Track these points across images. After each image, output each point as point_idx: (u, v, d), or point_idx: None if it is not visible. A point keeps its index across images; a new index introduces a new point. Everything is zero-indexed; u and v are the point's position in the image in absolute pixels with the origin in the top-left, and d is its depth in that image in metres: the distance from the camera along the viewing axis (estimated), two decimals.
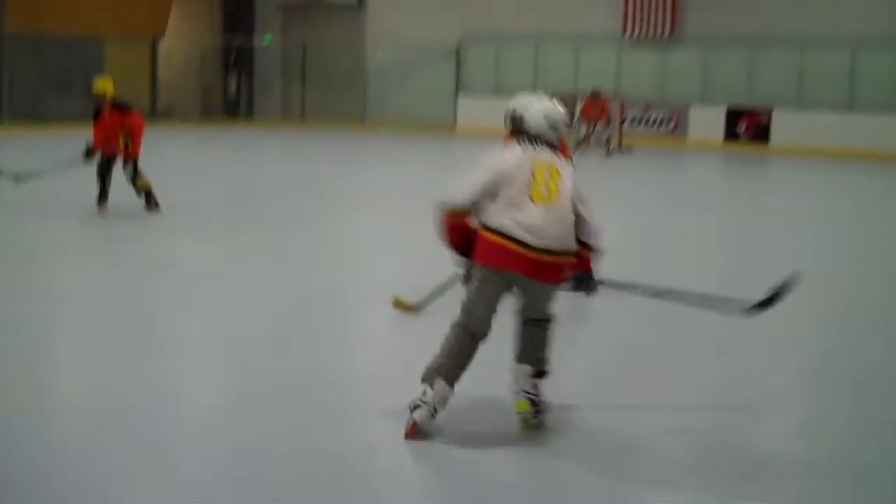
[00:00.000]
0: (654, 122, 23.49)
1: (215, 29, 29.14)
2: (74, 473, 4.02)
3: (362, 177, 15.80)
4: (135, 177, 10.39)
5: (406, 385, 4.62)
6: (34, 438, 4.36)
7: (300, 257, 8.99)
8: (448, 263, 5.56)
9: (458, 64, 26.25)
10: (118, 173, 10.50)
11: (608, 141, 19.97)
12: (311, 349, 5.95)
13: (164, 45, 27.73)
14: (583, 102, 20.32)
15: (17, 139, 20.21)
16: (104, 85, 10.38)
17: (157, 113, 26.18)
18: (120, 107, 10.33)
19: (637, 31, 23.90)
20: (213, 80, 29.06)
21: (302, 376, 5.36)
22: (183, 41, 28.74)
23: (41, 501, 3.79)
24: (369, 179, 15.53)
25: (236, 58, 26.90)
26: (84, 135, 10.80)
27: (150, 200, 10.48)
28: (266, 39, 28.40)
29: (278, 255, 8.98)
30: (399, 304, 6.47)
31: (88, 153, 10.39)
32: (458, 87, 25.96)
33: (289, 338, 6.19)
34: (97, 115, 10.34)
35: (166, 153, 15.92)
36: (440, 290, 6.25)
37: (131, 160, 10.34)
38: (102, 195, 10.49)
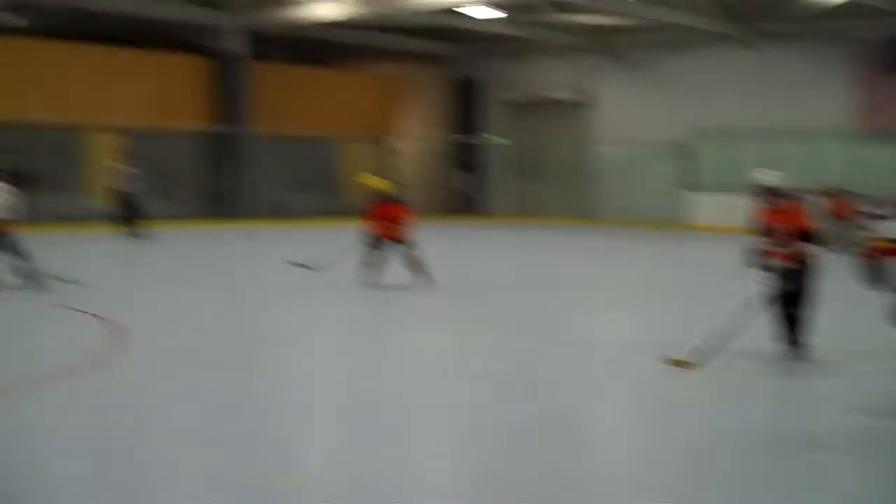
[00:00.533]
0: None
1: (443, 128, 30.17)
2: None
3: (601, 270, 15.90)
4: (410, 257, 12.47)
5: None
6: None
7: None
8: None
9: (684, 160, 26.09)
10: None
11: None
12: None
13: (396, 145, 29.01)
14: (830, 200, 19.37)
15: (266, 233, 21.42)
16: (378, 182, 13.12)
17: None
18: (393, 199, 12.70)
19: (876, 123, 23.05)
20: (441, 177, 29.95)
21: None
22: (413, 140, 29.93)
23: None
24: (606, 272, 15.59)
25: (464, 155, 27.72)
26: (324, 228, 11.86)
27: (423, 274, 12.47)
28: (493, 138, 29.09)
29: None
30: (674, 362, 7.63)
31: (372, 241, 12.42)
32: (685, 182, 25.68)
33: None
34: (374, 206, 12.61)
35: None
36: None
37: (403, 244, 12.47)
38: (371, 266, 12.52)
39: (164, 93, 24.24)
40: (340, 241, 13.91)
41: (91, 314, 10.07)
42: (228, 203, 24.58)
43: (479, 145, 29.48)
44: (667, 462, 5.72)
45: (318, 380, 7.83)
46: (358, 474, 5.41)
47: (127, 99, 23.48)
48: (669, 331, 9.78)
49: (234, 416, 6.54)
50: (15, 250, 11.87)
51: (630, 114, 26.82)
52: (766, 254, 8.16)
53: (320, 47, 29.43)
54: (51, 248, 17.51)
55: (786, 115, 24.12)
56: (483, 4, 23.07)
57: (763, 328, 8.22)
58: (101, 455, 5.64)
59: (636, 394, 7.50)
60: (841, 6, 22.22)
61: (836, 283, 11.78)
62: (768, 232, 8.22)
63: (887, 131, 22.93)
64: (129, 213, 19.70)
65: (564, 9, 25.64)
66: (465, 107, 29.90)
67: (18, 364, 7.93)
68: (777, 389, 7.66)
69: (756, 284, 8.28)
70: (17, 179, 12.27)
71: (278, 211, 25.13)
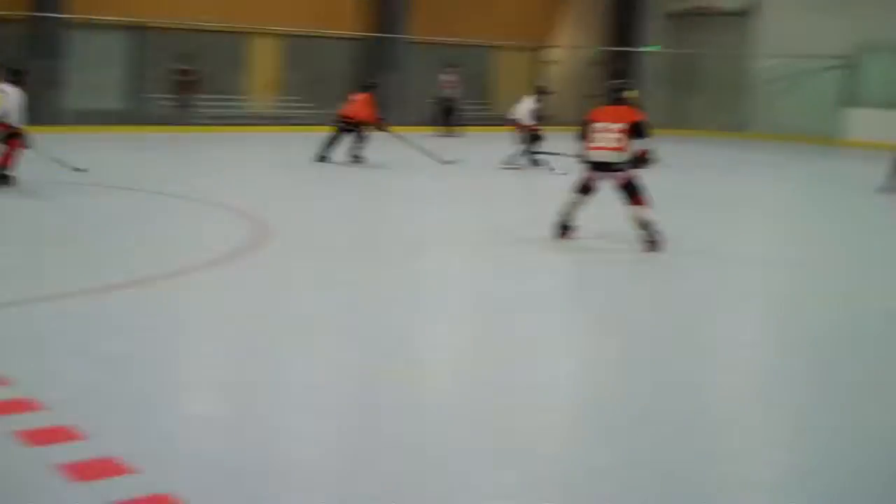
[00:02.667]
0: None
1: (602, 39, 29.77)
2: None
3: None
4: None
5: None
6: None
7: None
8: None
9: (850, 75, 25.03)
10: None
11: None
12: None
13: (551, 55, 28.78)
14: None
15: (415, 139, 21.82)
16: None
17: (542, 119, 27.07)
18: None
19: None
20: (597, 89, 29.58)
21: None
22: (569, 51, 29.65)
23: None
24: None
25: (622, 67, 27.25)
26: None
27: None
28: (651, 48, 28.57)
29: None
30: None
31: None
32: (849, 98, 24.68)
33: None
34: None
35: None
36: None
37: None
38: None
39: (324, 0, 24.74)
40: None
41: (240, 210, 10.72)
42: (386, 109, 24.92)
43: (637, 56, 28.95)
44: None
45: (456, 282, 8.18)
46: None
47: (290, 4, 24.07)
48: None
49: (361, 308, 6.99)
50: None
51: (796, 25, 25.71)
52: None
53: None
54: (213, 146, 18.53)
55: None
56: None
57: None
58: (238, 344, 6.13)
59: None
60: None
61: None
62: None
63: None
64: (447, 117, 22.46)
65: None
66: (625, 17, 29.34)
67: (165, 254, 8.52)
68: None
69: None
70: (18, 78, 11.85)
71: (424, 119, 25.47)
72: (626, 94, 9.67)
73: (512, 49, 27.78)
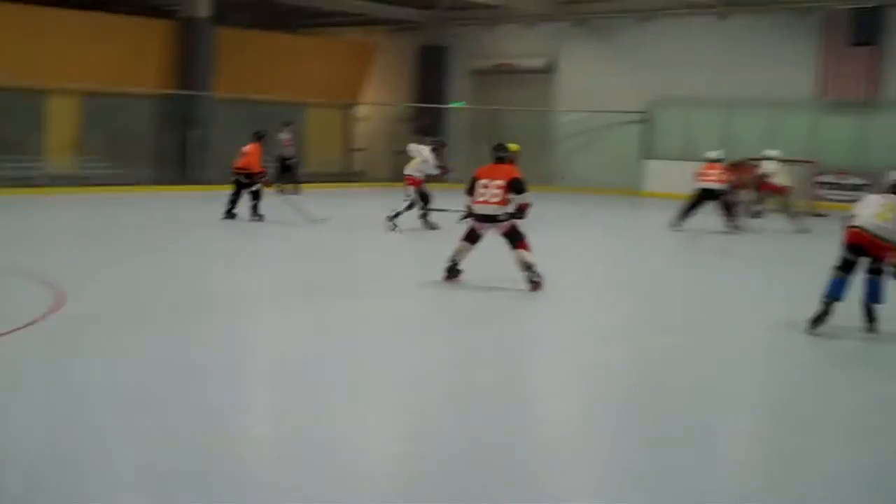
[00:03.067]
0: (851, 187, 22.70)
1: (410, 95, 30.32)
2: None
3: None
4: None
5: None
6: None
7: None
8: None
9: (647, 129, 26.33)
10: None
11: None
12: None
13: (361, 112, 29.05)
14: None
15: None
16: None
17: (351, 174, 27.22)
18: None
19: (833, 95, 23.34)
20: (404, 144, 30.06)
21: None
22: (379, 107, 30.04)
23: None
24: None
25: (427, 123, 27.76)
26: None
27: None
28: (457, 104, 29.23)
29: None
30: None
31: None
32: (647, 151, 25.91)
33: None
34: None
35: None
36: None
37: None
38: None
39: (126, 57, 24.10)
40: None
41: (33, 277, 10.18)
42: (191, 167, 24.52)
43: (443, 112, 29.59)
44: None
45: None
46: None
47: (89, 63, 23.35)
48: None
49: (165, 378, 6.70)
50: None
51: (594, 81, 27.03)
52: None
53: (288, 12, 29.47)
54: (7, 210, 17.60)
55: (750, 84, 24.39)
56: None
57: None
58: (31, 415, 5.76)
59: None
60: None
61: None
62: None
63: (848, 102, 23.24)
64: (287, 175, 22.36)
65: None
66: (432, 74, 30.02)
67: None
68: None
69: None
70: None
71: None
72: (507, 150, 10.92)
73: (322, 106, 27.89)
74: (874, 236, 8.25)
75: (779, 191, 18.50)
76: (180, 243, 14.20)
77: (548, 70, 28.22)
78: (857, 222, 8.40)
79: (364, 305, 9.51)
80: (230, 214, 16.36)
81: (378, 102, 30.49)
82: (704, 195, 16.93)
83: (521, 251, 10.25)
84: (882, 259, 8.27)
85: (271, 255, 13.35)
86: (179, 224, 16.83)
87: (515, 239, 10.29)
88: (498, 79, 29.23)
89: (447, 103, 29.54)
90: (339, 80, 28.47)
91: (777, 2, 24.26)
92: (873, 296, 8.35)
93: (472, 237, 10.50)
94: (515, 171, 10.56)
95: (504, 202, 10.25)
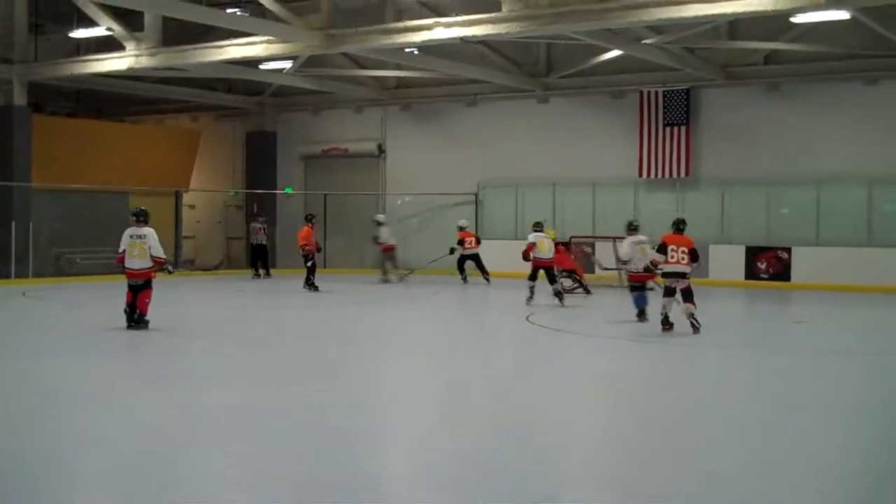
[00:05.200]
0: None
1: (240, 182, 29.94)
2: None
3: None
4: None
5: None
6: None
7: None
8: None
9: (473, 209, 26.77)
10: None
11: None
12: None
13: (188, 199, 28.41)
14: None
15: (47, 291, 20.40)
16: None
17: (180, 263, 26.45)
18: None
19: (653, 174, 24.34)
20: (235, 231, 29.60)
21: None
22: (206, 195, 29.49)
23: None
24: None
25: (258, 209, 27.41)
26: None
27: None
28: (287, 190, 29.03)
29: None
30: None
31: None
32: (477, 231, 26.25)
33: None
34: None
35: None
36: None
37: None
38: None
39: None
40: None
41: None
42: (7, 261, 23.34)
43: (276, 197, 29.32)
44: None
45: None
46: None
47: None
48: None
49: None
50: None
51: (424, 163, 27.46)
52: None
53: (110, 100, 28.80)
54: None
55: (575, 163, 25.25)
56: (276, 59, 23.10)
57: None
58: None
59: None
60: (625, 61, 23.42)
61: None
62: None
63: (666, 180, 24.25)
64: (260, 261, 25.14)
65: (359, 63, 26.24)
66: (261, 160, 29.77)
67: None
68: None
69: None
70: None
71: (64, 268, 24.21)
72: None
73: (146, 194, 27.15)
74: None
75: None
76: None
77: (378, 153, 28.43)
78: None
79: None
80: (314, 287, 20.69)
81: (206, 189, 29.95)
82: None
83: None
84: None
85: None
86: None
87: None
88: (329, 163, 29.24)
89: (280, 188, 29.29)
90: (164, 167, 27.82)
91: (593, 85, 25.24)
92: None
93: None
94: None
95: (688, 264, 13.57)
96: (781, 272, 22.65)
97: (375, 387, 9.73)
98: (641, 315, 14.78)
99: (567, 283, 20.07)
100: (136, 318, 13.11)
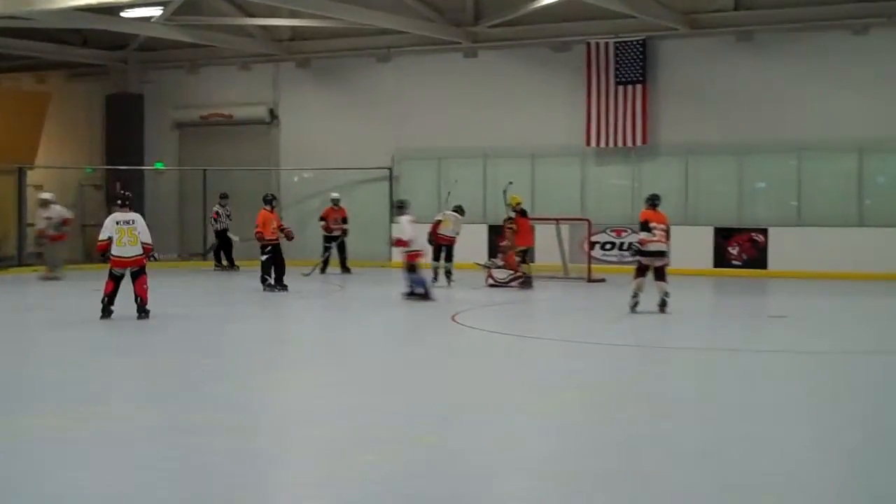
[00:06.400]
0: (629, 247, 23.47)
1: (99, 157, 29.39)
2: None
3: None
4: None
5: None
6: None
7: None
8: None
9: (390, 185, 26.70)
10: None
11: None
12: None
13: (34, 177, 27.72)
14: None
15: None
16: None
17: (24, 257, 25.85)
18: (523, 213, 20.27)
19: (604, 142, 24.36)
20: (94, 217, 29.01)
21: None
22: (57, 172, 28.88)
23: None
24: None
25: (123, 187, 26.85)
26: None
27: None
28: (158, 165, 28.61)
29: None
30: None
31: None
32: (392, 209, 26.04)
33: None
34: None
35: None
36: None
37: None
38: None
39: None
40: None
41: None
42: None
43: (145, 174, 28.87)
44: None
45: None
46: None
47: None
48: None
49: None
50: None
51: (327, 133, 27.26)
52: None
53: None
54: None
55: (510, 132, 25.23)
56: (142, 4, 22.74)
57: None
58: None
59: None
60: (569, 7, 23.25)
61: None
62: None
63: (619, 150, 24.33)
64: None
65: (245, 9, 25.83)
66: (125, 128, 29.20)
67: None
68: None
69: None
70: None
71: None
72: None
73: None
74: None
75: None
76: None
77: (269, 120, 28.13)
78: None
79: None
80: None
81: (57, 165, 29.30)
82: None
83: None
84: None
85: None
86: None
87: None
88: (209, 132, 28.84)
89: (149, 163, 28.83)
90: (3, 139, 27.10)
91: (531, 36, 25.24)
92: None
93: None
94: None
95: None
96: (756, 258, 22.92)
97: (267, 404, 9.58)
98: (425, 296, 17.42)
99: (500, 274, 20.14)
100: (139, 307, 14.83)
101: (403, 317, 16.81)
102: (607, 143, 24.39)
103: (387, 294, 19.60)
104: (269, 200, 20.04)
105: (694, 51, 23.96)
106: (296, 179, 28.02)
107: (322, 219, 23.82)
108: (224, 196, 25.42)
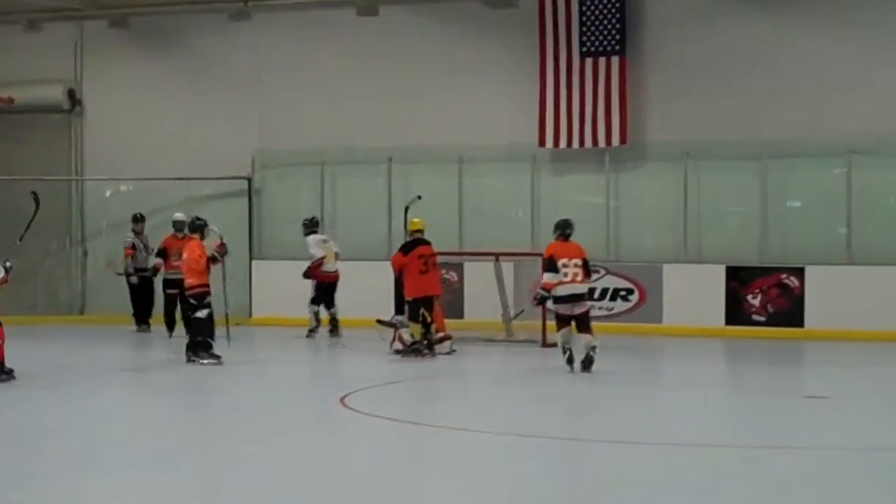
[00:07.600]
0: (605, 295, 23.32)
1: None
2: None
3: None
4: None
5: None
6: None
7: None
8: None
9: (251, 203, 26.46)
10: None
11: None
12: None
13: None
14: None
15: None
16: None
17: None
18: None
19: (564, 141, 24.26)
20: None
21: None
22: None
23: None
24: None
25: None
26: None
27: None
28: None
29: None
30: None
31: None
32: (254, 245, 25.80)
33: None
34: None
35: None
36: None
37: None
38: None
39: None
40: None
41: None
42: None
43: None
44: None
45: None
46: None
47: None
48: None
49: None
50: None
51: (150, 127, 27.14)
52: None
53: None
54: None
55: (424, 126, 25.28)
56: None
57: None
58: None
59: None
60: None
61: None
62: None
63: (581, 151, 24.26)
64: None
65: None
66: None
67: None
68: None
69: None
70: None
71: None
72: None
73: None
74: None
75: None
76: None
77: (70, 107, 27.74)
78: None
79: None
80: None
81: None
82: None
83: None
84: None
85: None
86: None
87: None
88: None
89: None
90: None
91: None
92: None
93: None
94: None
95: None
96: (788, 311, 22.85)
97: None
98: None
99: (405, 334, 19.84)
100: None
101: (267, 397, 16.49)
102: (570, 143, 24.34)
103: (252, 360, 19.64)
104: (200, 226, 19.04)
105: (691, 9, 24.02)
106: (108, 194, 27.53)
107: (160, 253, 23.23)
108: (139, 219, 24.99)
